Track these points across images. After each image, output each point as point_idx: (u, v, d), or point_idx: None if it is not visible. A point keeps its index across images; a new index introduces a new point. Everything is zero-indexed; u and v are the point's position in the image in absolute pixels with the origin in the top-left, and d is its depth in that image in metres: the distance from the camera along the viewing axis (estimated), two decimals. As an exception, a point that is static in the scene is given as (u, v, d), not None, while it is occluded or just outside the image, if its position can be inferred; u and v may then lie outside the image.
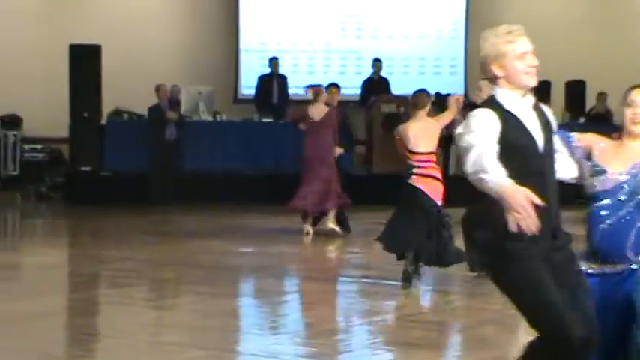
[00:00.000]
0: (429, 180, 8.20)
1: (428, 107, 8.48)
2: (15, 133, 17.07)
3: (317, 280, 9.00)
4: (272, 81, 16.66)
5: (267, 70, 16.92)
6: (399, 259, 8.30)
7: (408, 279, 8.11)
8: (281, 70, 16.86)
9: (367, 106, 16.28)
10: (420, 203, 8.12)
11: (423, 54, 18.12)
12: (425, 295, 8.40)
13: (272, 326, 7.00)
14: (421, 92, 8.60)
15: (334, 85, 12.24)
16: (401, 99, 14.94)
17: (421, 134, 8.20)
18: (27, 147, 17.11)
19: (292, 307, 7.86)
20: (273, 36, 18.09)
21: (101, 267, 9.58)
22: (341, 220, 11.43)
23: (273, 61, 16.66)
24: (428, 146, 8.22)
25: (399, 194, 8.38)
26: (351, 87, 17.60)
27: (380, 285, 8.54)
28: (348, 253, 10.66)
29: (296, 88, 16.38)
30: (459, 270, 8.97)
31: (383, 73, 17.00)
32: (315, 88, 11.67)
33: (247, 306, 7.94)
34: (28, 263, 10.18)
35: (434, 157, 8.33)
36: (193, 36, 17.90)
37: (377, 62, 16.95)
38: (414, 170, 8.20)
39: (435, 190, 8.18)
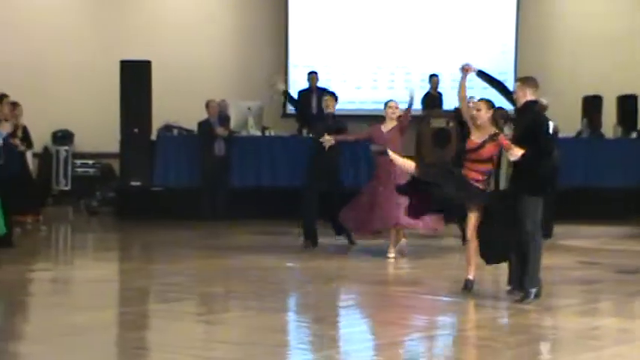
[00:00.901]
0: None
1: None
2: (67, 148, 17.27)
3: (366, 295, 8.96)
4: (311, 95, 16.67)
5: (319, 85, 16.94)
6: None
7: (469, 287, 8.50)
8: (330, 85, 16.86)
9: (417, 121, 16.23)
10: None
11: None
12: (477, 310, 8.33)
13: (320, 342, 6.97)
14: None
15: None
16: (451, 114, 14.88)
17: None
18: (78, 162, 17.31)
19: (341, 323, 7.83)
20: (322, 51, 18.12)
21: (151, 281, 9.64)
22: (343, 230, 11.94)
23: (312, 76, 16.64)
24: None
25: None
26: (401, 102, 17.58)
27: (430, 300, 8.49)
28: (397, 268, 10.60)
29: (347, 103, 16.43)
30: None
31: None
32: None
33: (295, 321, 7.91)
34: (79, 277, 10.27)
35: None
36: (242, 51, 17.99)
37: (433, 77, 16.93)
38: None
39: None
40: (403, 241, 11.15)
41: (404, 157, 9.66)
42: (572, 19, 18.38)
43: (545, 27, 18.47)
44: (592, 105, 16.79)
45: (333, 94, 12.56)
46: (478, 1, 18.40)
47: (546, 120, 8.39)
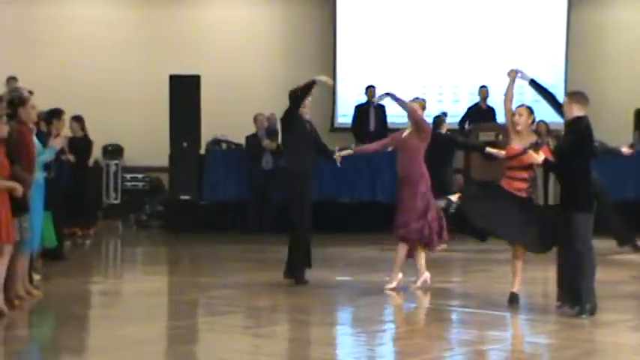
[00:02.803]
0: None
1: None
2: (116, 162, 17.44)
3: (415, 309, 8.91)
4: (368, 109, 16.68)
5: (364, 98, 16.94)
6: None
7: (515, 300, 8.52)
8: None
9: (465, 134, 16.13)
10: None
11: (521, 82, 17.85)
12: (524, 324, 8.24)
13: (369, 356, 6.94)
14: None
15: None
16: (500, 127, 14.77)
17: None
18: (128, 176, 17.46)
19: (390, 337, 7.79)
20: (370, 64, 18.11)
21: (200, 294, 9.67)
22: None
23: (369, 90, 16.67)
24: None
25: None
26: (450, 115, 17.51)
27: (479, 314, 8.41)
28: (446, 282, 10.52)
29: (393, 117, 16.37)
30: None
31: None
32: None
33: (344, 335, 7.89)
34: (128, 290, 10.34)
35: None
36: (290, 65, 18.03)
37: (483, 89, 16.81)
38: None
39: None
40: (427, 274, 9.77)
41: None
42: (623, 30, 18.16)
43: (595, 39, 18.28)
44: (645, 115, 16.57)
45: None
46: (528, 15, 18.26)
47: (591, 137, 8.24)
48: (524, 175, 8.65)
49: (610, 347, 7.18)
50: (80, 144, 13.59)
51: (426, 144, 9.61)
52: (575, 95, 8.40)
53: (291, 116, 9.94)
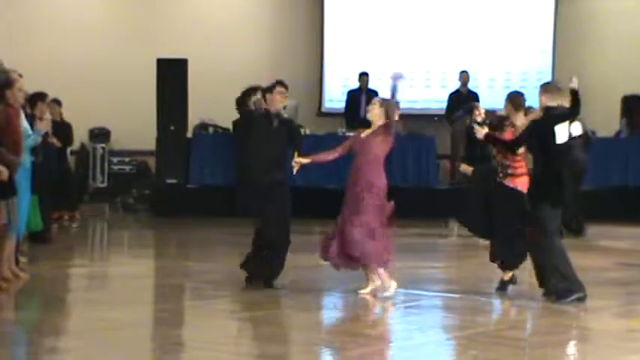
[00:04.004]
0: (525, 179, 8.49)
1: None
2: (103, 145, 17.40)
3: (401, 295, 8.93)
4: (360, 96, 16.67)
5: (351, 83, 16.93)
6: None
7: (504, 287, 8.53)
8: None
9: (452, 120, 16.16)
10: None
11: (509, 68, 17.94)
12: (510, 310, 8.28)
13: (355, 340, 6.95)
14: (519, 94, 8.74)
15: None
16: (487, 113, 14.78)
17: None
18: (115, 159, 17.43)
19: (377, 322, 7.81)
20: (358, 50, 18.09)
21: (186, 278, 9.68)
22: None
23: (363, 76, 16.66)
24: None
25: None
26: (436, 101, 17.54)
27: (464, 300, 8.45)
28: (432, 268, 10.56)
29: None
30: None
31: (469, 87, 16.86)
32: None
33: (330, 319, 7.90)
34: (115, 274, 10.33)
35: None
36: (278, 49, 18.01)
37: (463, 73, 16.79)
38: (509, 171, 8.50)
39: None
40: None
41: None
42: (612, 17, 18.19)
43: (583, 26, 18.30)
44: (631, 105, 16.61)
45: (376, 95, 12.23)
46: (516, 1, 18.27)
47: (550, 127, 8.17)
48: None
49: (595, 333, 7.22)
50: (61, 128, 13.53)
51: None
52: (545, 86, 8.45)
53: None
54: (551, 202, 8.10)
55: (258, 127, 8.73)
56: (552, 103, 8.25)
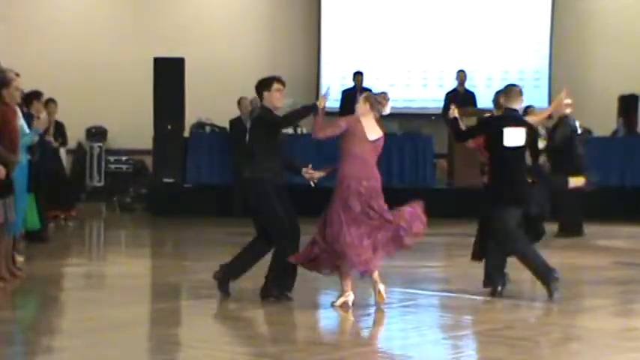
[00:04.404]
0: None
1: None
2: (100, 144, 17.38)
3: (397, 294, 8.93)
4: (355, 94, 16.65)
5: (348, 82, 16.92)
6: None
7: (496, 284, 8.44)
8: (363, 84, 16.85)
9: (447, 119, 16.14)
10: None
11: (506, 67, 17.94)
12: (506, 309, 8.27)
13: (353, 339, 6.95)
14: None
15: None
16: (483, 112, 14.79)
17: None
18: (112, 158, 17.42)
19: (372, 321, 7.80)
20: (355, 49, 18.09)
21: (183, 278, 9.67)
22: None
23: (357, 76, 16.66)
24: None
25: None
26: (433, 100, 17.53)
27: (461, 299, 8.44)
28: (427, 267, 10.55)
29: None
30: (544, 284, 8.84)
31: (466, 87, 16.86)
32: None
33: (327, 318, 7.89)
34: (112, 273, 10.33)
35: None
36: (275, 49, 18.01)
37: (460, 73, 16.79)
38: (486, 168, 8.60)
39: None
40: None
41: None
42: (609, 16, 18.20)
43: (580, 25, 18.31)
44: (628, 104, 16.64)
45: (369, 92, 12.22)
46: (513, 0, 18.28)
47: (500, 128, 8.26)
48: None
49: (592, 332, 7.21)
50: (58, 127, 13.54)
51: None
52: (507, 88, 8.58)
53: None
54: (503, 202, 8.22)
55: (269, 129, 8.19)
56: (509, 105, 8.38)
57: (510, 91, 8.44)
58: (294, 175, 8.44)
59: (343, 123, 7.90)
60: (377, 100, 7.92)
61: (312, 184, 8.32)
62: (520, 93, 8.42)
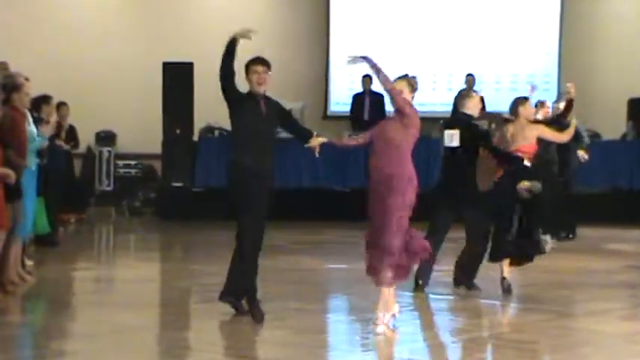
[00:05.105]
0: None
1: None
2: (109, 149, 17.42)
3: (406, 297, 8.93)
4: (364, 98, 16.70)
5: (357, 86, 16.95)
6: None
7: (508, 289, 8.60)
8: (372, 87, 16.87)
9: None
10: None
11: (515, 70, 17.92)
12: (516, 312, 8.26)
13: (362, 343, 6.95)
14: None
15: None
16: (492, 115, 14.78)
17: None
18: (121, 163, 17.45)
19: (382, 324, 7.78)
20: (364, 52, 18.05)
21: (192, 281, 9.68)
22: None
23: (366, 79, 16.69)
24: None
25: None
26: (442, 104, 17.50)
27: (469, 302, 8.44)
28: (435, 271, 10.53)
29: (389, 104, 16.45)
30: (551, 288, 8.84)
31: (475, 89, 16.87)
32: None
33: (336, 322, 7.90)
34: (121, 277, 10.35)
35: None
36: (283, 52, 17.99)
37: (469, 77, 16.78)
38: None
39: None
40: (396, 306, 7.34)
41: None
42: (618, 20, 18.17)
43: (589, 28, 18.28)
44: (637, 107, 16.59)
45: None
46: (522, 4, 18.26)
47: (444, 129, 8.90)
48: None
49: (601, 336, 7.20)
50: (70, 130, 13.59)
51: (413, 136, 7.56)
52: (460, 92, 9.46)
53: (228, 93, 7.58)
54: (440, 199, 8.71)
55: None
56: (462, 109, 8.94)
57: (462, 94, 9.22)
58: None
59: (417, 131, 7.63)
60: None
61: (316, 154, 7.50)
62: (470, 96, 8.99)
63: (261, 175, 7.30)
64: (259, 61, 7.63)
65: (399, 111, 7.54)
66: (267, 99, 7.52)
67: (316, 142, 7.46)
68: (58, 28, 17.70)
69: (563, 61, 17.93)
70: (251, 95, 7.51)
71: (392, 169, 7.24)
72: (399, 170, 7.27)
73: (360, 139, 7.72)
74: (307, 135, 7.54)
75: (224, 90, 7.52)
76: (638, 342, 7.06)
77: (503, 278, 8.67)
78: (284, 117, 7.62)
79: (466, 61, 17.67)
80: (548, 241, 11.04)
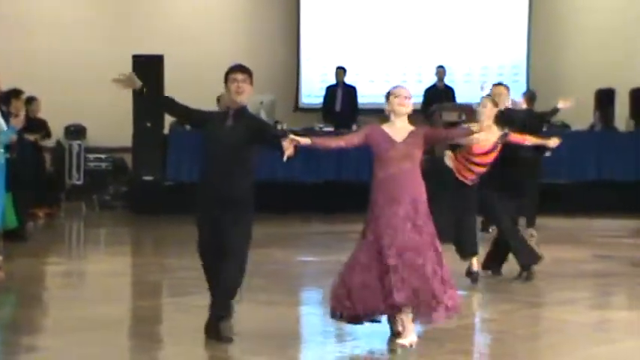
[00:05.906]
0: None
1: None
2: (79, 142, 17.32)
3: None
4: (336, 90, 16.72)
5: (329, 79, 16.97)
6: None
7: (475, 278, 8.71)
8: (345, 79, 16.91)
9: (427, 115, 16.18)
10: None
11: (485, 63, 18.01)
12: (484, 303, 8.33)
13: (333, 335, 6.98)
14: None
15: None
16: (462, 107, 14.85)
17: None
18: (91, 156, 17.35)
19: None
20: (334, 45, 18.10)
21: (163, 275, 9.67)
22: None
23: (339, 71, 16.73)
24: None
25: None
26: (413, 96, 17.54)
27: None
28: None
29: (365, 97, 16.57)
30: (523, 277, 8.91)
31: (445, 82, 16.93)
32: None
33: (309, 314, 7.93)
34: (92, 271, 10.31)
35: None
36: (254, 45, 17.99)
37: (440, 69, 16.85)
38: None
39: None
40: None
41: None
42: (586, 12, 18.28)
43: (557, 20, 18.40)
44: (605, 98, 16.72)
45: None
46: (490, -5, 18.35)
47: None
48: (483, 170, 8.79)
49: (569, 325, 7.28)
50: (40, 124, 13.51)
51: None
52: None
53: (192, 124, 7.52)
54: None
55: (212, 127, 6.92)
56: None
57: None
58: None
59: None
60: None
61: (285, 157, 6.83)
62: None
63: (221, 201, 6.98)
64: (239, 68, 7.01)
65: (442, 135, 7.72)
66: (240, 114, 6.93)
67: (289, 143, 6.74)
68: (26, 22, 17.56)
69: (532, 53, 18.02)
70: (219, 113, 7.19)
71: (416, 192, 6.57)
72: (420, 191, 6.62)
73: (342, 141, 6.97)
74: (281, 145, 6.81)
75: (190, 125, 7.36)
76: (606, 330, 7.15)
77: (473, 271, 8.75)
78: (255, 133, 6.99)
79: (436, 54, 17.72)
80: (534, 234, 11.22)
